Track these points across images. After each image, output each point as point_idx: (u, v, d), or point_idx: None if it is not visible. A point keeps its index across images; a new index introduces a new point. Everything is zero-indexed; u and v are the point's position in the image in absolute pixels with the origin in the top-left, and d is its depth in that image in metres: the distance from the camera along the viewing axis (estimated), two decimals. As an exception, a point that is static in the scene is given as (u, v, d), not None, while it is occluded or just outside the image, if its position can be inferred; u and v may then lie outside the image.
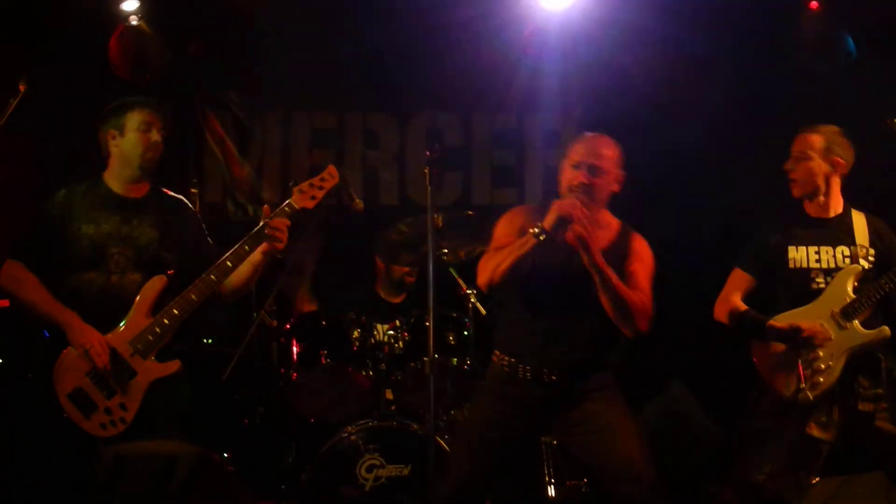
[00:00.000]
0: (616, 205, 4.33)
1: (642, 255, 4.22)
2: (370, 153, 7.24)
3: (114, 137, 4.47)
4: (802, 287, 4.62)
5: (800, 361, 4.52)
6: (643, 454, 4.04)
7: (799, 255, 4.64)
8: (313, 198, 4.45)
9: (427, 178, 4.14)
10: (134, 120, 4.45)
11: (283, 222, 4.37)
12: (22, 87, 4.59)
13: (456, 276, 5.80)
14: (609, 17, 6.35)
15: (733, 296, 4.74)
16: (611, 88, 6.79)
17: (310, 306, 5.69)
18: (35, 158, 6.37)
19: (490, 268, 4.08)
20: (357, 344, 5.61)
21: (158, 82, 6.42)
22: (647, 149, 6.62)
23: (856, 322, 4.53)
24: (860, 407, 4.50)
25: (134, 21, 6.30)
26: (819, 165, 4.64)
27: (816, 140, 4.65)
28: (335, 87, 7.01)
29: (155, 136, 4.47)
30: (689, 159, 6.69)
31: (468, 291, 5.65)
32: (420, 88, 7.03)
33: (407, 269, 6.18)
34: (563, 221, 4.00)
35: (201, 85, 6.97)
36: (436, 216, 4.23)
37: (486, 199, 7.19)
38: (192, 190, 5.58)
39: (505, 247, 4.11)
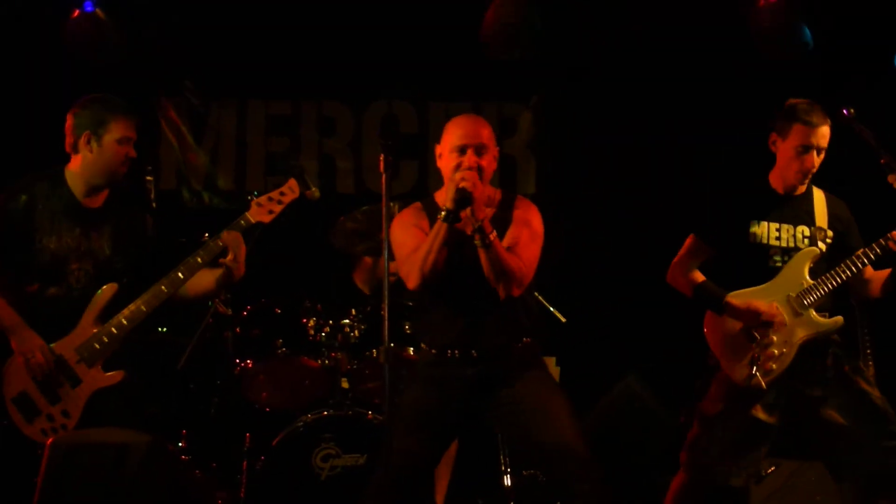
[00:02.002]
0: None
1: (527, 219, 4.21)
2: (326, 141, 7.22)
3: (89, 141, 4.34)
4: (760, 264, 4.54)
5: (754, 346, 4.49)
6: (575, 431, 4.03)
7: (760, 230, 4.54)
8: (271, 212, 4.42)
9: (382, 165, 4.10)
10: (115, 131, 4.33)
11: (235, 237, 4.30)
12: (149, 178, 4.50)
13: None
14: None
15: (690, 264, 4.65)
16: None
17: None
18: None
19: (417, 267, 4.05)
20: (312, 332, 5.61)
21: (113, 68, 6.37)
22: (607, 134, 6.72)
23: (811, 311, 4.51)
24: (807, 392, 4.48)
25: (89, 6, 6.22)
26: (822, 157, 4.54)
27: (828, 130, 4.49)
28: (290, 74, 6.98)
29: (132, 151, 4.38)
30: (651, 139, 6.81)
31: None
32: (376, 76, 7.01)
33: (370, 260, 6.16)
34: (464, 198, 3.98)
35: (157, 72, 6.89)
36: (392, 204, 4.20)
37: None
38: (148, 178, 5.46)
39: (419, 246, 4.09)
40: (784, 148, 4.51)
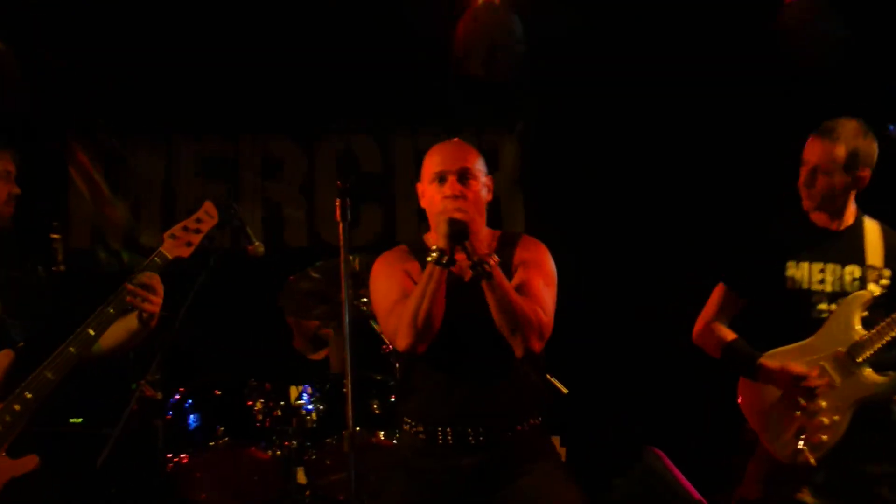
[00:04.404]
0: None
1: (537, 260, 4.18)
2: (271, 185, 7.23)
3: None
4: (802, 313, 4.50)
5: (798, 415, 4.45)
6: None
7: (800, 272, 4.51)
8: (189, 244, 4.36)
9: (339, 212, 4.05)
10: None
11: (150, 278, 4.23)
12: None
13: (379, 330, 5.70)
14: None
15: (718, 318, 4.64)
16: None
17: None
18: None
19: (407, 320, 3.98)
20: (261, 416, 5.59)
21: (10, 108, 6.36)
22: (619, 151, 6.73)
23: (866, 368, 4.45)
24: (866, 469, 4.43)
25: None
26: (841, 180, 4.53)
27: (838, 151, 4.50)
28: (227, 105, 7.02)
29: (14, 188, 4.36)
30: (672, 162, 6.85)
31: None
32: (329, 105, 7.04)
33: (317, 322, 6.17)
34: (458, 231, 3.95)
35: (62, 108, 6.88)
36: (351, 258, 4.14)
37: (413, 234, 7.11)
38: (53, 236, 5.47)
39: (407, 296, 4.04)
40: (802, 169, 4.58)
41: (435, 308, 3.97)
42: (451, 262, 3.98)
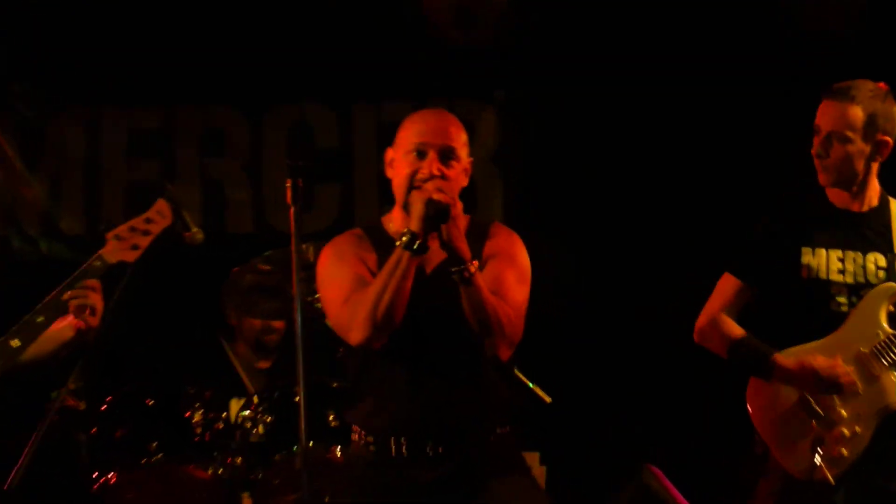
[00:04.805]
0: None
1: (509, 253, 4.20)
2: (211, 161, 7.23)
3: None
4: (818, 307, 4.52)
5: (815, 424, 4.47)
6: None
7: (816, 260, 4.53)
8: (135, 247, 4.33)
9: (290, 194, 4.05)
10: None
11: (90, 285, 4.23)
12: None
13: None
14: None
15: (724, 313, 4.65)
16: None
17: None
18: None
19: (365, 314, 3.97)
20: (200, 430, 5.60)
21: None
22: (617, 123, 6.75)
23: (893, 372, 4.48)
24: (892, 487, 4.47)
25: None
26: (859, 148, 4.53)
27: (855, 114, 4.50)
28: (161, 71, 6.99)
29: None
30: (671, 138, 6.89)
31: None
32: (279, 70, 7.01)
33: (261, 322, 6.13)
34: (438, 213, 3.95)
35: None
36: (304, 247, 4.15)
37: (376, 218, 7.12)
38: None
39: (367, 285, 4.04)
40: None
41: (398, 300, 3.96)
42: (424, 248, 3.97)
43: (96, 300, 4.25)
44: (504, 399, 4.17)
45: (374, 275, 4.06)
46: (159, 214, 4.41)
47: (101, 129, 7.20)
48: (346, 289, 4.09)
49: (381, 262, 4.05)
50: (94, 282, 4.26)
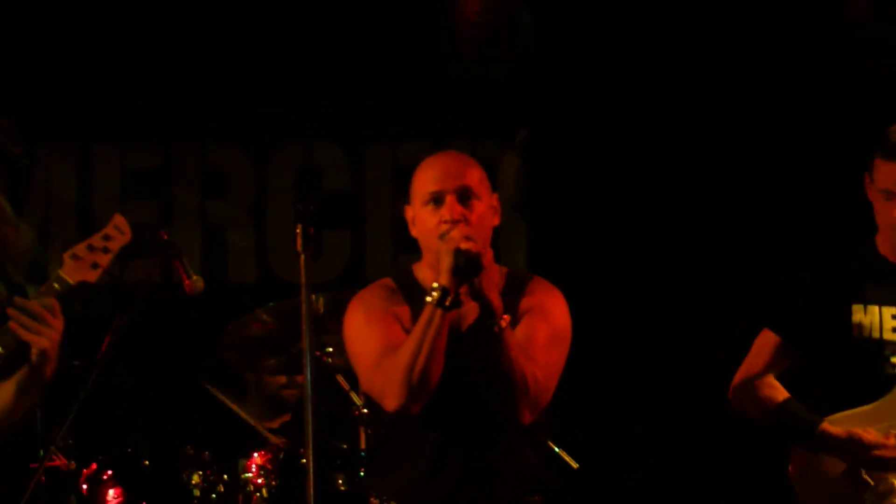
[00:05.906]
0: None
1: (548, 310, 4.23)
2: (213, 205, 7.23)
3: None
4: (871, 369, 4.50)
5: (866, 495, 4.44)
6: None
7: (868, 318, 4.51)
8: (95, 265, 4.33)
9: (298, 240, 4.06)
10: None
11: (48, 306, 4.22)
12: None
13: (347, 388, 5.72)
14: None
15: (763, 374, 4.63)
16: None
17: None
18: None
19: (399, 380, 4.00)
20: (199, 493, 5.60)
21: None
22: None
23: (951, 439, 4.49)
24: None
25: None
26: None
27: None
28: (158, 107, 7.03)
29: None
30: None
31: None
32: (287, 106, 7.05)
33: (284, 379, 6.12)
34: (468, 264, 3.95)
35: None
36: (314, 298, 4.14)
37: (388, 268, 7.12)
38: None
39: (400, 344, 4.04)
40: (872, 193, 4.54)
41: (434, 361, 3.99)
42: (457, 303, 3.99)
43: (48, 318, 4.25)
44: (534, 467, 4.19)
45: (407, 331, 4.07)
46: (117, 230, 4.42)
47: (92, 168, 7.25)
48: (377, 351, 4.11)
49: (416, 316, 4.05)
50: (50, 300, 4.26)
